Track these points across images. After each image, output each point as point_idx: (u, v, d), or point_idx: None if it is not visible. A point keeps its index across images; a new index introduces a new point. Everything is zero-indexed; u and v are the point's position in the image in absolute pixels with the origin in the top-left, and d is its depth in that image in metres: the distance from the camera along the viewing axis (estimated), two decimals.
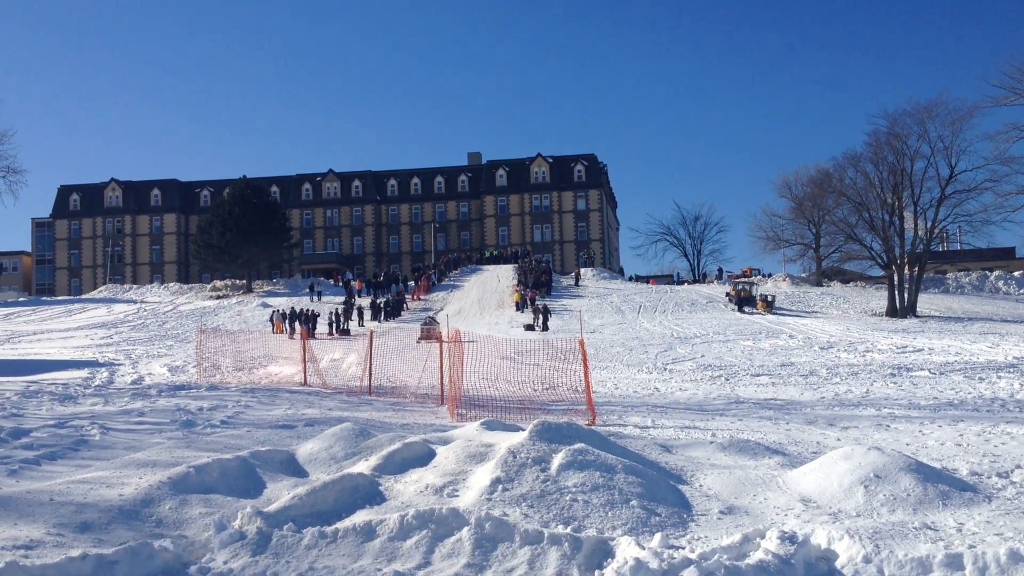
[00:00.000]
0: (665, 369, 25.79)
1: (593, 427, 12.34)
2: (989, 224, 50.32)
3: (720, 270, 79.68)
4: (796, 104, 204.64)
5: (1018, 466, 9.22)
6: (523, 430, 9.28)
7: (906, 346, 30.44)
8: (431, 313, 49.37)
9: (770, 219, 68.91)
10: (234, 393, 18.21)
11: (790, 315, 46.83)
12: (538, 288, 55.51)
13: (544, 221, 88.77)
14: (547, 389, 19.45)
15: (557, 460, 7.95)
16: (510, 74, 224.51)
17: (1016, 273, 63.95)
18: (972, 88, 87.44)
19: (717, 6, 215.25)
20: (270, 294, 64.67)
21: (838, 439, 12.08)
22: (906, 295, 48.04)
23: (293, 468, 9.38)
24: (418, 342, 30.36)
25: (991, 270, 63.70)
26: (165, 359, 29.48)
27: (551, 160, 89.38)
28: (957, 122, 48.75)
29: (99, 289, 76.61)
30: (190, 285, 73.90)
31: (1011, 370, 22.09)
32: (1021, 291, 58.32)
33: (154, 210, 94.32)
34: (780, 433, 12.75)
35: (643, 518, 7.06)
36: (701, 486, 8.43)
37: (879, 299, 52.02)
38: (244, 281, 70.28)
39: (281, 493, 8.03)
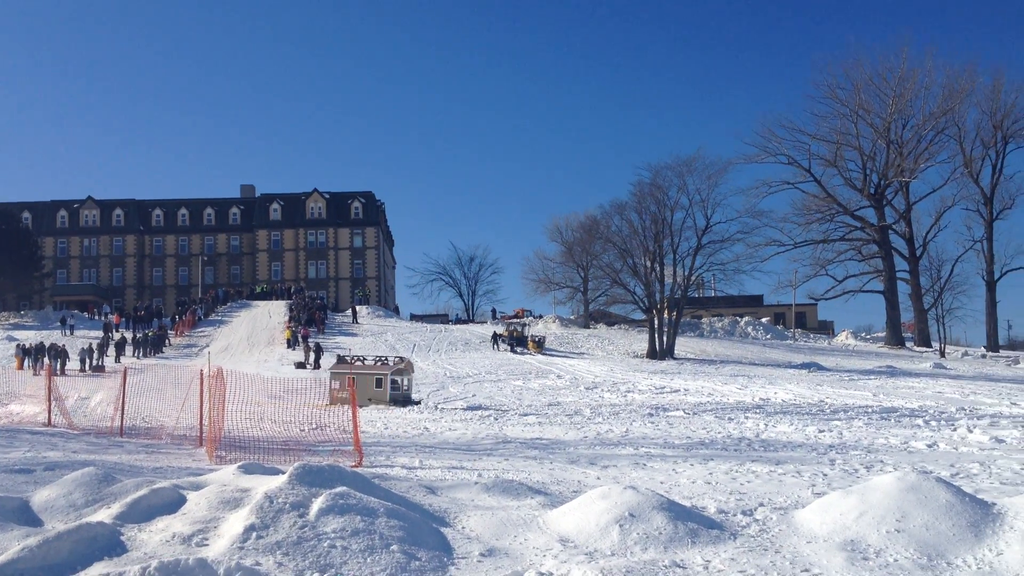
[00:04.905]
0: (436, 408, 25.84)
1: (359, 469, 12.09)
2: (740, 273, 54.43)
3: (494, 310, 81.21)
4: (569, 152, 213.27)
5: (761, 504, 9.74)
6: (284, 473, 8.95)
7: (664, 387, 32.02)
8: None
9: (542, 262, 71.03)
10: None
11: (559, 356, 48.24)
12: (311, 325, 54.39)
13: (320, 257, 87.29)
14: (315, 429, 18.99)
15: (316, 505, 7.69)
16: (286, 106, 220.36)
17: (763, 319, 69.14)
18: (728, 145, 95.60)
19: (494, 53, 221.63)
20: (17, 327, 59.68)
21: (598, 478, 12.43)
22: (665, 338, 50.60)
23: (27, 517, 8.58)
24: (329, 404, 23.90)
25: (741, 316, 68.36)
26: None
27: (328, 196, 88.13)
28: (713, 176, 52.52)
29: None
30: None
31: (757, 411, 23.64)
32: (767, 336, 63.01)
33: None
34: (544, 472, 12.97)
35: (403, 563, 6.93)
36: (463, 528, 8.40)
37: (641, 342, 54.45)
38: None
39: (10, 544, 7.31)
